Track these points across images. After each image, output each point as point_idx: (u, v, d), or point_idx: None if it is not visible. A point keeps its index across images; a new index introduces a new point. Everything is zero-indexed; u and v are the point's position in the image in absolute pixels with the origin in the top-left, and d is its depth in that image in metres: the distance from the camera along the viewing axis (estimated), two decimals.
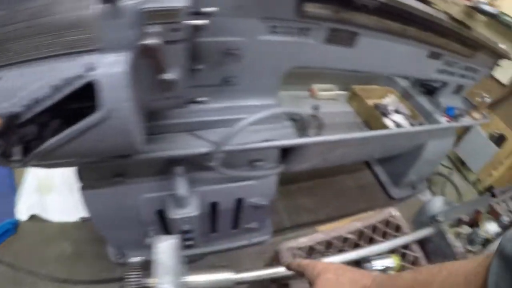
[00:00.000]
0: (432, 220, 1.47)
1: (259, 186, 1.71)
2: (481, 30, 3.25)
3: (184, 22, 0.88)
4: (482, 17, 2.12)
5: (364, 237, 1.33)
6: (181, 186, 1.32)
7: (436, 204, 1.81)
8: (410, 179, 2.78)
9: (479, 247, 1.40)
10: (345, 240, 1.28)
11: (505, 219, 1.61)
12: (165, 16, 0.84)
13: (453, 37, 1.94)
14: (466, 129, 3.50)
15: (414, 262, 1.27)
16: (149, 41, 0.81)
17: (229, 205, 1.74)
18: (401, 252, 1.29)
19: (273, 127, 1.54)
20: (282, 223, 2.40)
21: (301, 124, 1.66)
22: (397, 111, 2.54)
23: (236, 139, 1.31)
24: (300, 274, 0.85)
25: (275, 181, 1.80)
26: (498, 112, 3.30)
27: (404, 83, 2.69)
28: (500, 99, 3.24)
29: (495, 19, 2.97)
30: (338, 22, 1.31)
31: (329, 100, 2.49)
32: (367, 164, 3.13)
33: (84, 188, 1.36)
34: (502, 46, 2.46)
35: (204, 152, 1.30)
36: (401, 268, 1.15)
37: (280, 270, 0.96)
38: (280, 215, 2.46)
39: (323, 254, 1.19)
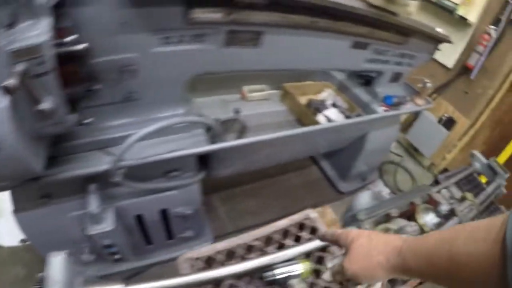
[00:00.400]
0: (353, 218, 1.36)
1: (181, 196, 1.67)
2: (417, 15, 3.20)
3: (47, 54, 0.88)
4: (414, 2, 2.04)
5: (274, 243, 1.23)
6: (93, 203, 1.31)
7: (362, 200, 1.70)
8: (357, 171, 2.70)
9: None
10: (250, 247, 1.18)
11: (444, 208, 1.49)
12: (28, 53, 0.85)
13: (376, 24, 1.83)
14: (415, 116, 3.43)
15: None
16: (8, 82, 0.79)
17: (154, 217, 1.69)
18: (316, 256, 1.19)
19: (183, 136, 1.50)
20: (224, 229, 2.32)
21: (217, 130, 1.59)
22: (334, 105, 2.44)
23: (143, 152, 1.31)
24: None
25: (197, 189, 1.77)
26: (445, 96, 3.23)
27: (340, 76, 2.61)
28: (446, 82, 3.15)
29: (433, 3, 2.92)
30: (233, 24, 1.25)
31: (261, 100, 2.41)
32: (314, 160, 3.03)
33: (16, 210, 1.35)
34: (439, 30, 2.37)
35: (103, 169, 1.26)
36: (312, 274, 1.05)
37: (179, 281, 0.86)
38: (222, 220, 2.40)
39: (223, 263, 1.10)
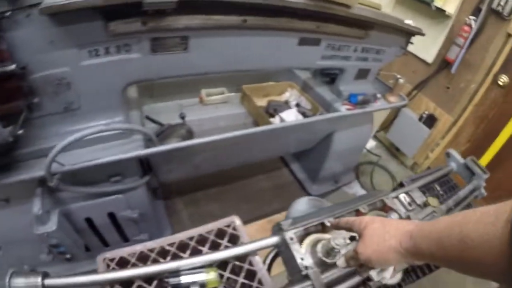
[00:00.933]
0: (278, 228, 1.22)
1: (127, 199, 1.66)
2: (394, 9, 3.03)
3: None
4: None
5: (190, 248, 1.12)
6: (36, 205, 1.33)
7: (299, 207, 1.56)
8: (327, 173, 2.56)
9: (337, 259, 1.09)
10: (167, 252, 1.09)
11: (393, 216, 1.32)
12: None
13: (323, 18, 1.70)
14: (395, 114, 3.24)
15: (250, 276, 1.06)
16: None
17: (103, 220, 1.70)
18: (232, 265, 1.07)
19: (122, 142, 1.50)
20: None
21: (149, 136, 1.53)
22: (298, 105, 2.30)
23: (83, 157, 1.35)
24: (348, 229, 0.91)
25: (144, 193, 1.74)
26: (426, 92, 3.04)
27: (305, 75, 2.48)
28: (426, 78, 2.97)
29: None
30: (153, 32, 1.25)
31: (219, 104, 2.34)
32: (285, 163, 2.90)
33: None
34: (409, 22, 2.21)
35: (38, 176, 1.28)
36: (220, 284, 0.97)
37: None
38: (183, 223, 2.30)
39: (138, 266, 1.03)
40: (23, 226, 1.40)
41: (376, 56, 2.19)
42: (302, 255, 1.06)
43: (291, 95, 2.32)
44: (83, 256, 1.75)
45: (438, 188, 1.93)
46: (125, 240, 1.92)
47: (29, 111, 1.20)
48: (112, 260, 1.02)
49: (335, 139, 2.32)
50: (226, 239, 1.17)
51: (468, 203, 1.90)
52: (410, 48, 2.97)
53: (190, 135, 1.91)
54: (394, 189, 1.65)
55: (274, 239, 1.14)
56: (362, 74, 2.25)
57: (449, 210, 1.59)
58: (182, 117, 2.00)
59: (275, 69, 1.94)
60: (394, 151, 3.41)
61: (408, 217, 1.30)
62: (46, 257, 1.53)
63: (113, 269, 0.99)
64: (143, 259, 1.04)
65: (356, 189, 2.84)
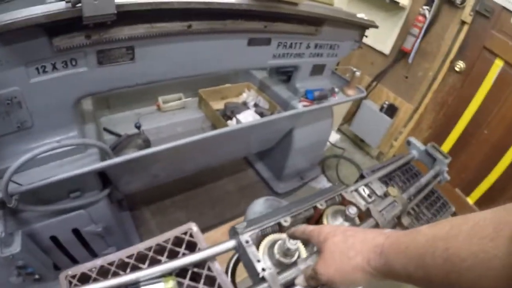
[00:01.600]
0: (233, 231, 1.16)
1: (89, 214, 1.63)
2: (348, 4, 3.01)
3: None
4: None
5: (151, 258, 1.08)
6: None
7: (255, 208, 1.50)
8: (292, 170, 2.53)
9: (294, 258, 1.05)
10: (126, 264, 1.05)
11: (352, 211, 1.26)
12: None
13: (269, 18, 1.65)
14: (357, 106, 3.23)
15: (210, 282, 1.01)
16: None
17: (69, 237, 1.65)
18: (191, 272, 1.03)
19: (78, 157, 1.47)
20: None
21: (104, 149, 1.50)
22: (256, 105, 2.25)
23: (41, 175, 1.30)
24: (306, 241, 0.81)
25: (106, 206, 1.69)
26: (385, 83, 3.04)
27: (261, 74, 2.43)
28: (384, 69, 2.97)
29: None
30: (97, 44, 1.22)
31: (177, 110, 2.29)
32: (250, 163, 2.85)
33: None
34: (361, 15, 2.18)
35: None
36: None
37: None
38: (152, 233, 2.22)
39: (98, 281, 0.97)
40: None
41: (330, 51, 2.16)
42: (259, 257, 1.01)
43: (248, 95, 2.27)
44: (53, 276, 1.66)
45: (401, 177, 1.92)
46: (94, 255, 1.87)
47: None
48: (74, 277, 0.98)
49: (295, 136, 2.28)
50: (183, 246, 1.12)
51: (432, 190, 1.89)
52: (367, 41, 2.98)
53: (146, 144, 1.86)
54: (356, 182, 1.62)
55: (231, 243, 1.09)
56: (317, 70, 2.22)
57: (410, 198, 1.58)
58: (138, 127, 1.94)
59: (226, 71, 1.90)
60: (359, 142, 3.42)
61: (368, 210, 1.23)
62: (15, 280, 1.46)
63: (76, 285, 0.96)
64: (104, 273, 1.01)
65: (323, 183, 2.82)
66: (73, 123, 1.41)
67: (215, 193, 2.58)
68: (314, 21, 1.85)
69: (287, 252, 0.95)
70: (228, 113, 2.17)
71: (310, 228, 0.78)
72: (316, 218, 1.29)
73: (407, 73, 2.87)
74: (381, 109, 3.04)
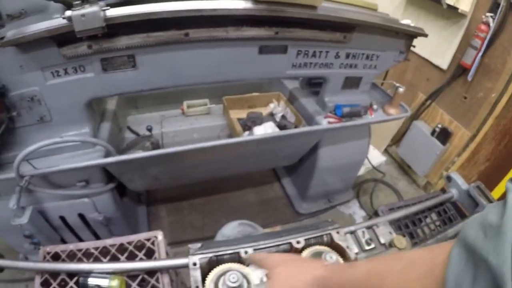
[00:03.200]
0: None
1: (93, 203, 1.75)
2: (400, 10, 2.69)
3: None
4: None
5: (112, 255, 1.18)
6: (12, 201, 1.47)
7: (225, 231, 1.37)
8: (318, 190, 2.30)
9: None
10: (91, 254, 1.16)
11: (330, 259, 1.03)
12: None
13: (282, 23, 1.50)
14: (406, 127, 2.85)
15: None
16: None
17: (75, 220, 1.79)
18: (141, 278, 1.08)
19: (87, 151, 1.60)
20: None
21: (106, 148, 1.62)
22: (283, 117, 2.09)
23: (55, 163, 1.49)
24: (261, 267, 0.86)
25: (109, 199, 1.78)
26: (440, 103, 2.65)
27: (293, 85, 2.26)
28: (440, 87, 2.58)
29: None
30: (100, 53, 1.33)
31: (200, 115, 2.27)
32: (277, 177, 2.67)
33: None
34: (406, 21, 1.92)
35: (10, 177, 1.43)
36: None
37: None
38: (163, 230, 2.16)
39: (63, 261, 1.14)
40: (7, 216, 1.54)
41: (367, 62, 1.92)
42: (198, 283, 0.96)
43: (275, 106, 2.08)
44: None
45: (429, 221, 1.61)
46: (98, 239, 1.92)
47: (11, 122, 1.41)
48: (49, 253, 1.11)
49: (321, 154, 2.08)
50: (143, 252, 1.17)
51: None
52: (424, 53, 2.65)
53: (154, 147, 1.89)
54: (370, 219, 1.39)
55: (183, 261, 1.06)
56: (351, 83, 1.98)
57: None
58: (149, 129, 2.00)
59: (236, 80, 1.74)
60: (406, 168, 3.02)
61: (356, 259, 1.06)
62: (28, 246, 1.64)
63: (47, 260, 1.09)
64: (71, 256, 1.13)
65: (354, 209, 2.53)
66: (85, 121, 1.55)
67: (235, 202, 2.48)
68: (341, 27, 1.64)
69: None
70: (249, 124, 2.02)
71: (263, 255, 0.86)
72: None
73: (466, 93, 2.46)
74: (432, 133, 2.64)
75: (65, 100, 1.44)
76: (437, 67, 2.65)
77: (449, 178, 1.66)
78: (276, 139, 1.81)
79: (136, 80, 1.48)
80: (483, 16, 2.22)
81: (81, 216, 1.78)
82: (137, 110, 2.26)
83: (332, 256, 0.97)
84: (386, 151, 3.17)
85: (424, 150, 2.69)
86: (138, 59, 1.41)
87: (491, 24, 2.19)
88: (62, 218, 1.75)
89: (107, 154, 1.59)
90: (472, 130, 2.48)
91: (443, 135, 2.58)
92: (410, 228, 1.48)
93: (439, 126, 2.61)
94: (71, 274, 1.02)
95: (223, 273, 0.93)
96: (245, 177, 2.56)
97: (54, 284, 1.01)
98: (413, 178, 2.95)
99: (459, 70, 2.47)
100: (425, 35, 1.90)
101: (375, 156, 2.68)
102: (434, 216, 1.63)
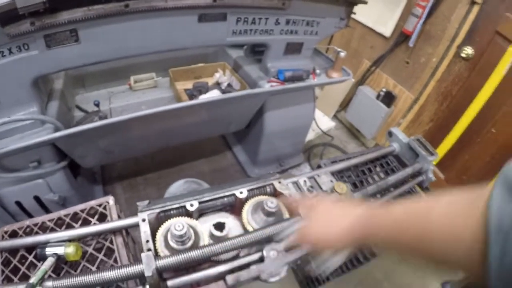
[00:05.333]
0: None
1: (47, 184, 1.78)
2: None
3: None
4: None
5: (67, 224, 1.21)
6: None
7: (173, 189, 1.47)
8: (269, 155, 2.45)
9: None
10: (47, 227, 1.20)
11: (271, 204, 1.15)
12: None
13: None
14: (353, 93, 3.02)
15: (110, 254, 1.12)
16: None
17: (31, 203, 1.81)
18: (96, 242, 1.15)
19: (36, 130, 1.62)
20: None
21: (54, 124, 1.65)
22: (229, 85, 2.19)
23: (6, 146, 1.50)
24: (293, 209, 0.93)
25: (62, 177, 1.83)
26: (385, 68, 2.82)
27: (237, 54, 2.39)
28: (383, 53, 2.75)
29: None
30: (43, 29, 1.36)
31: (148, 89, 2.33)
32: (229, 146, 2.84)
33: None
34: None
35: None
36: (79, 258, 1.06)
37: None
38: (121, 207, 2.26)
39: (21, 237, 1.14)
40: None
41: (307, 29, 2.05)
42: (149, 238, 1.03)
43: (220, 76, 2.19)
44: None
45: (378, 170, 1.77)
46: None
47: None
48: (6, 232, 1.14)
49: (267, 119, 2.24)
50: (96, 217, 1.21)
51: (410, 190, 1.74)
52: (368, 22, 2.80)
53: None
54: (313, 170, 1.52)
55: (133, 220, 1.13)
56: (293, 48, 2.12)
57: (366, 198, 1.45)
58: (96, 104, 2.05)
59: (178, 49, 1.82)
60: (355, 132, 3.23)
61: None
62: None
63: (5, 239, 1.11)
64: (29, 232, 1.16)
65: (305, 172, 2.67)
66: (33, 101, 1.58)
67: (189, 173, 2.60)
68: None
69: (178, 239, 0.97)
70: (195, 93, 2.12)
71: (300, 197, 0.94)
72: (238, 207, 1.23)
73: (409, 59, 2.66)
74: (377, 97, 2.85)
75: (12, 81, 1.46)
76: (380, 34, 2.83)
77: (390, 133, 1.85)
78: (220, 103, 1.92)
79: (80, 55, 1.52)
80: None
81: (37, 199, 1.81)
82: (85, 88, 2.31)
83: (273, 201, 1.09)
84: (335, 117, 3.39)
85: (370, 114, 2.89)
86: (81, 33, 1.45)
87: None
88: (18, 203, 1.78)
89: (57, 131, 1.61)
90: (415, 93, 2.69)
91: (388, 98, 2.78)
92: (354, 178, 1.63)
93: (384, 90, 2.80)
94: (30, 249, 1.07)
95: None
96: (197, 148, 2.69)
97: (15, 261, 1.06)
98: (362, 141, 3.17)
99: (401, 37, 2.66)
100: (365, 2, 2.06)
101: (325, 122, 2.86)
102: (378, 168, 1.79)
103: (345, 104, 3.26)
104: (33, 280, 0.89)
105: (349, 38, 3.14)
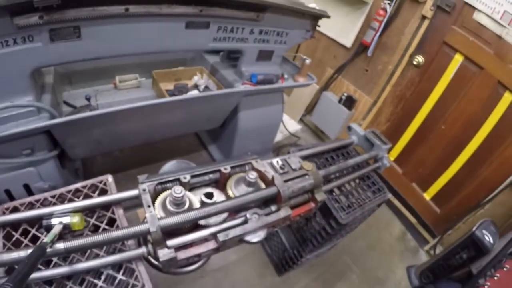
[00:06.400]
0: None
1: (38, 172, 1.87)
2: None
3: None
4: None
5: (69, 199, 1.30)
6: None
7: (166, 168, 1.65)
8: (241, 152, 2.64)
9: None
10: (50, 202, 1.27)
11: (252, 175, 1.30)
12: None
13: (207, 2, 1.84)
14: (317, 98, 3.34)
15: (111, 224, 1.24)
16: None
17: (20, 192, 1.86)
18: (98, 213, 1.25)
19: (33, 119, 1.71)
20: None
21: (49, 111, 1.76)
22: (206, 87, 2.43)
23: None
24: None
25: (53, 166, 1.93)
26: (346, 75, 3.18)
27: (214, 59, 2.67)
28: (344, 62, 3.10)
29: None
30: (50, 24, 1.48)
31: (132, 88, 2.54)
32: (204, 145, 3.10)
33: None
34: (312, 5, 2.32)
35: None
36: (83, 227, 1.15)
37: None
38: None
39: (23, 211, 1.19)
40: None
41: (278, 38, 2.35)
42: (149, 203, 1.18)
43: (198, 78, 2.43)
44: None
45: (335, 159, 2.02)
46: None
47: None
48: (7, 208, 1.19)
49: (241, 117, 2.51)
50: (97, 192, 1.33)
51: (368, 174, 1.98)
52: (331, 34, 3.16)
53: None
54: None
55: (134, 192, 1.29)
56: (265, 55, 2.40)
57: (328, 175, 1.70)
58: (88, 99, 2.22)
59: (166, 51, 2.06)
60: (319, 134, 3.55)
61: (273, 178, 1.35)
62: None
63: (6, 214, 1.15)
64: (31, 208, 1.20)
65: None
66: (29, 90, 1.68)
67: None
68: (254, 7, 2.04)
69: (175, 201, 1.14)
70: (176, 93, 2.33)
71: None
72: (223, 182, 1.43)
73: (367, 66, 3.02)
74: (339, 101, 3.17)
75: (12, 70, 1.55)
76: (342, 45, 3.20)
77: (349, 128, 2.15)
78: (201, 100, 2.19)
79: (80, 50, 1.66)
80: (382, 3, 2.80)
81: (27, 187, 1.87)
82: (71, 86, 2.46)
83: (253, 173, 1.31)
84: (301, 121, 3.71)
85: (333, 116, 3.24)
86: (83, 30, 1.59)
87: (388, 10, 2.73)
88: (7, 192, 1.83)
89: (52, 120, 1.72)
90: (374, 97, 3.05)
91: (349, 102, 3.13)
92: (318, 163, 1.89)
93: (345, 94, 3.16)
94: (32, 222, 1.12)
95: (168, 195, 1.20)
96: (174, 147, 2.93)
97: (17, 235, 1.10)
98: (326, 141, 3.48)
99: (361, 47, 3.03)
100: (328, 17, 2.38)
101: (292, 125, 3.17)
102: (340, 158, 2.05)
103: (310, 109, 3.59)
104: (46, 239, 0.94)
105: (314, 49, 3.50)
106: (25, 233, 1.13)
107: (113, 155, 2.80)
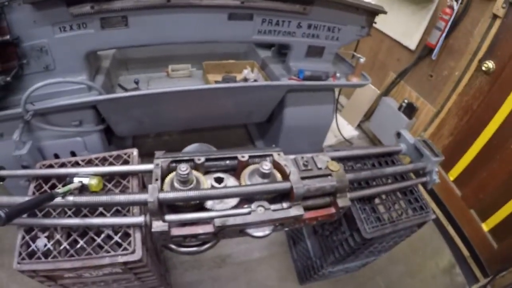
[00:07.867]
0: None
1: (84, 142, 2.08)
2: None
3: None
4: None
5: (95, 164, 1.44)
6: (15, 134, 1.76)
7: (187, 149, 1.69)
8: (286, 151, 2.59)
9: None
10: (79, 164, 1.42)
11: (265, 166, 1.24)
12: None
13: None
14: (377, 102, 3.16)
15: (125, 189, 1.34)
16: None
17: (67, 157, 2.05)
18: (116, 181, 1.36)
19: (83, 95, 1.93)
20: None
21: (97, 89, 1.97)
22: (255, 81, 2.46)
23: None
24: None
25: (98, 139, 2.12)
26: (409, 80, 2.97)
27: (265, 54, 2.69)
28: (408, 66, 2.91)
29: None
30: (100, 13, 1.70)
31: (183, 78, 2.66)
32: (252, 140, 3.10)
33: None
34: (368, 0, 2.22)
35: (18, 112, 1.76)
36: (100, 190, 1.26)
37: None
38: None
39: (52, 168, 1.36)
40: (10, 154, 1.84)
41: (329, 34, 2.29)
42: (158, 177, 1.21)
43: (248, 72, 2.47)
44: None
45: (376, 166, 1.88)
46: None
47: (21, 69, 1.76)
48: (44, 165, 1.38)
49: (287, 113, 2.48)
50: (120, 162, 1.45)
51: (412, 189, 1.80)
52: (395, 35, 2.97)
53: None
54: None
55: (150, 166, 1.33)
56: (315, 52, 2.36)
57: (358, 180, 1.59)
58: (136, 82, 2.43)
59: (209, 41, 2.11)
60: (377, 143, 3.35)
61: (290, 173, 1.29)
62: (23, 183, 1.84)
63: (41, 168, 1.35)
64: (62, 166, 1.38)
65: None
66: (83, 71, 1.92)
67: None
68: (300, 0, 2.00)
69: (182, 179, 1.16)
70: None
71: None
72: (239, 171, 1.42)
73: (432, 72, 2.81)
74: (399, 108, 2.97)
75: (68, 52, 1.80)
76: (406, 47, 3.01)
77: (398, 134, 1.96)
78: (242, 90, 2.20)
79: (127, 37, 1.85)
80: (448, 0, 2.53)
81: (73, 154, 2.06)
82: (128, 71, 2.70)
83: (267, 164, 1.26)
84: (359, 127, 3.52)
85: (391, 125, 3.04)
86: (130, 19, 1.78)
87: (455, 8, 2.51)
88: (56, 156, 2.04)
89: None
90: (437, 106, 2.81)
91: (409, 110, 2.92)
92: (355, 167, 1.75)
93: (406, 101, 2.95)
94: (60, 179, 1.29)
95: None
96: (224, 138, 2.99)
97: (46, 187, 1.28)
98: None
99: (425, 50, 2.83)
100: (385, 12, 2.25)
101: (348, 130, 3.04)
102: (383, 165, 1.90)
103: (369, 114, 3.42)
104: (59, 190, 1.09)
105: (377, 50, 3.34)
106: (53, 187, 1.29)
107: (163, 139, 2.94)
